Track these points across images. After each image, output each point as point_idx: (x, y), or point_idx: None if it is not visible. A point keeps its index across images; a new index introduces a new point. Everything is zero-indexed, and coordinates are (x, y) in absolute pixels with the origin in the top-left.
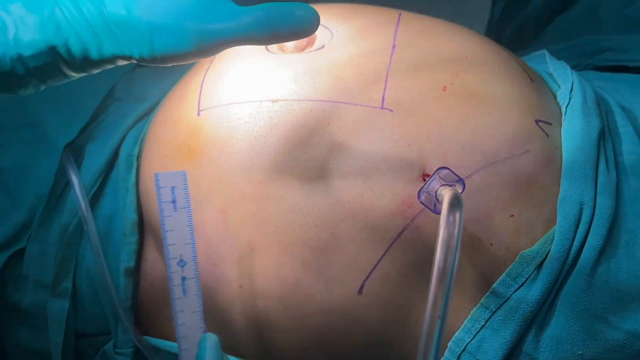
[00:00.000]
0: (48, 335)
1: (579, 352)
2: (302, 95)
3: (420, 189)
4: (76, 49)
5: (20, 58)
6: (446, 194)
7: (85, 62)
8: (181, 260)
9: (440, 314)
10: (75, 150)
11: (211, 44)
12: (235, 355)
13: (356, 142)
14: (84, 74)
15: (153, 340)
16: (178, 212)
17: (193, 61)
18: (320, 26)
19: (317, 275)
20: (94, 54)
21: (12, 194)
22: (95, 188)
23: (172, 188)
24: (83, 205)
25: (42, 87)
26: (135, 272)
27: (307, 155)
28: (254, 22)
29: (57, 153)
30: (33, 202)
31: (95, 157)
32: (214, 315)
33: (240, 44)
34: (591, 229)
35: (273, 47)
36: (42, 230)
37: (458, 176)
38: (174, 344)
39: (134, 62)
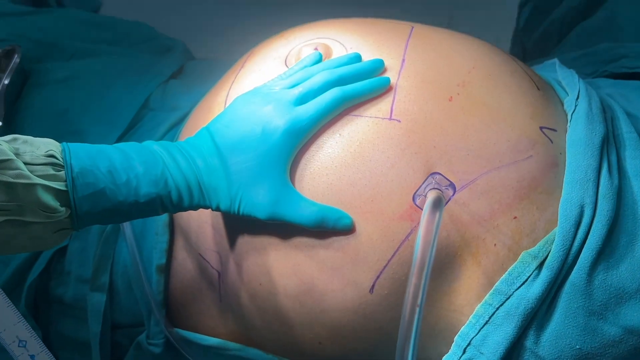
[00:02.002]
0: (87, 326)
1: (578, 347)
2: None
3: (415, 193)
4: (175, 199)
5: (136, 203)
6: (430, 196)
7: (177, 207)
8: (20, 341)
9: (419, 302)
10: None
11: (276, 221)
12: (256, 348)
13: (366, 151)
14: (170, 212)
15: (183, 332)
16: None
17: None
18: (335, 42)
19: (331, 275)
20: (185, 204)
21: None
22: None
23: None
24: None
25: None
26: (167, 269)
27: (320, 163)
28: (312, 218)
29: None
30: None
31: None
32: (238, 311)
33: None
34: (591, 231)
35: (292, 63)
36: (83, 229)
37: (449, 180)
38: (202, 336)
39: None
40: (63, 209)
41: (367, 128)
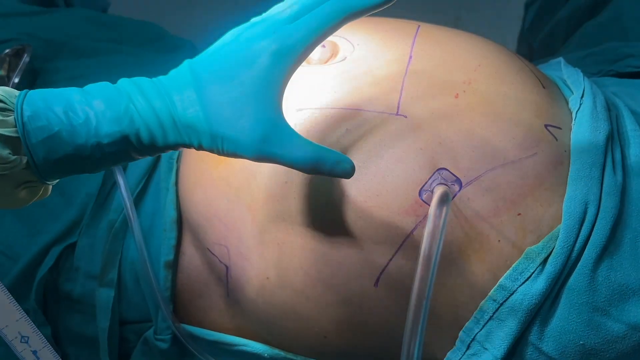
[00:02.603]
0: (96, 322)
1: (581, 343)
2: (324, 103)
3: (421, 188)
4: (145, 138)
5: (99, 145)
6: (437, 191)
7: (151, 148)
8: (22, 337)
9: (426, 294)
10: None
11: (265, 160)
12: (262, 342)
13: (373, 146)
14: (148, 156)
15: (189, 328)
16: None
17: None
18: (342, 39)
19: (336, 269)
20: (160, 143)
21: (66, 193)
22: (139, 188)
23: None
24: (128, 203)
25: (112, 167)
26: (174, 265)
27: None
28: (305, 158)
29: None
30: (84, 200)
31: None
32: (244, 305)
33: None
34: (595, 227)
35: None
36: (91, 226)
37: (455, 176)
38: (209, 331)
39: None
40: (15, 157)
41: (374, 123)
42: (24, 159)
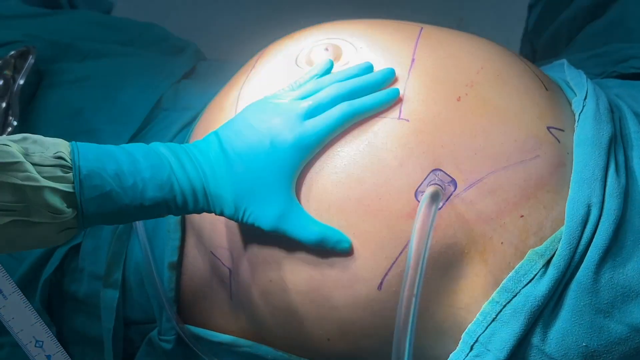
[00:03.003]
0: (100, 322)
1: (584, 344)
2: None
3: (417, 189)
4: (180, 203)
5: (142, 206)
6: (427, 190)
7: (180, 211)
8: (37, 342)
9: (415, 292)
10: None
11: (278, 233)
12: (265, 344)
13: (375, 149)
14: (173, 216)
15: (193, 329)
16: (10, 299)
17: None
18: (345, 42)
19: (340, 272)
20: (190, 208)
21: None
22: None
23: None
24: None
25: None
26: (178, 266)
27: (330, 161)
28: (313, 237)
29: None
30: None
31: None
32: (248, 308)
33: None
34: (598, 229)
35: (302, 63)
36: (96, 227)
37: (451, 177)
38: (213, 333)
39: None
40: (69, 210)
41: (376, 127)
42: (74, 212)
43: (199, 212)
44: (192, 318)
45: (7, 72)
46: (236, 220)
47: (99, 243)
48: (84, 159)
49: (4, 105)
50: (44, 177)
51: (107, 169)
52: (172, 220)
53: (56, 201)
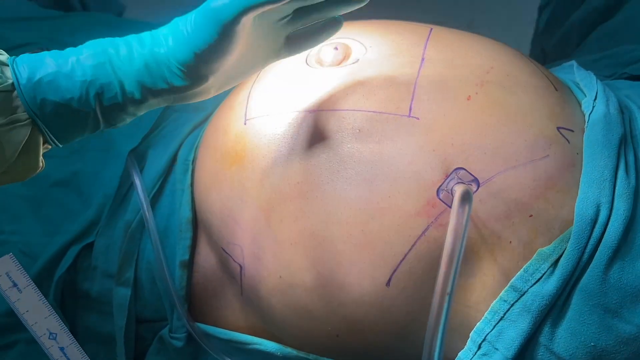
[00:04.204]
0: (113, 320)
1: (592, 344)
2: (336, 106)
3: (439, 187)
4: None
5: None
6: (458, 189)
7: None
8: (51, 334)
9: (449, 290)
10: (138, 156)
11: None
12: (275, 341)
13: (384, 147)
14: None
15: (204, 327)
16: (24, 292)
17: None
18: (355, 41)
19: (348, 269)
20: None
21: (84, 194)
22: (155, 189)
23: (7, 274)
24: (144, 204)
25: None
26: (189, 264)
27: (339, 159)
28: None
29: (122, 158)
30: (101, 201)
31: (156, 161)
32: (257, 304)
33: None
34: (607, 230)
35: (312, 61)
36: (108, 226)
37: (473, 176)
38: (223, 331)
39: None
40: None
41: (386, 125)
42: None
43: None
44: (203, 316)
45: None
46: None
47: (111, 242)
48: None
49: None
50: None
51: (45, 63)
52: (184, 219)
53: None
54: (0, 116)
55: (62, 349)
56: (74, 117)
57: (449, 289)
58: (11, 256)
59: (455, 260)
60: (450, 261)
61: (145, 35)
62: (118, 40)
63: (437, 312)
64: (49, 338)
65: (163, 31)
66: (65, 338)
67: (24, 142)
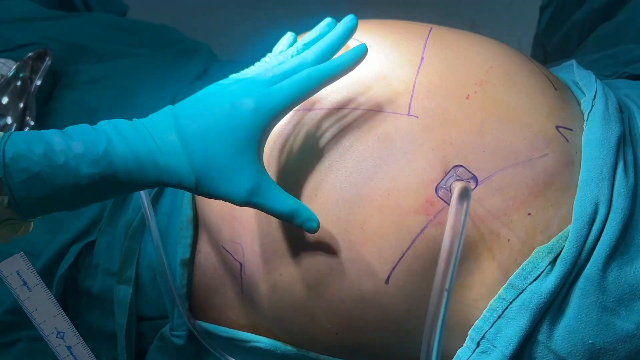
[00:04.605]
0: (114, 318)
1: (590, 342)
2: (336, 104)
3: (438, 185)
4: (123, 179)
5: (78, 186)
6: (456, 186)
7: (128, 187)
8: (58, 332)
9: (447, 287)
10: None
11: (249, 206)
12: (275, 339)
13: (384, 145)
14: (122, 194)
15: (204, 325)
16: (34, 291)
17: None
18: (354, 41)
19: (348, 266)
20: (137, 182)
21: None
22: (156, 188)
23: (18, 272)
24: (146, 203)
25: (88, 206)
26: (190, 262)
27: (339, 156)
28: (283, 212)
29: None
30: None
31: None
32: (259, 302)
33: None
34: (605, 228)
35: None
36: (110, 224)
37: (472, 173)
38: (224, 328)
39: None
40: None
41: (386, 123)
42: (6, 199)
43: (153, 186)
44: (204, 314)
45: (25, 74)
46: (200, 193)
47: (113, 240)
48: (11, 143)
49: (21, 105)
50: None
51: (34, 150)
52: (185, 217)
53: None
54: None
55: (69, 347)
56: (56, 203)
57: (447, 286)
58: (21, 255)
59: (453, 257)
60: (448, 258)
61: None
62: None
63: (436, 309)
64: (56, 337)
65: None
66: (73, 337)
67: None
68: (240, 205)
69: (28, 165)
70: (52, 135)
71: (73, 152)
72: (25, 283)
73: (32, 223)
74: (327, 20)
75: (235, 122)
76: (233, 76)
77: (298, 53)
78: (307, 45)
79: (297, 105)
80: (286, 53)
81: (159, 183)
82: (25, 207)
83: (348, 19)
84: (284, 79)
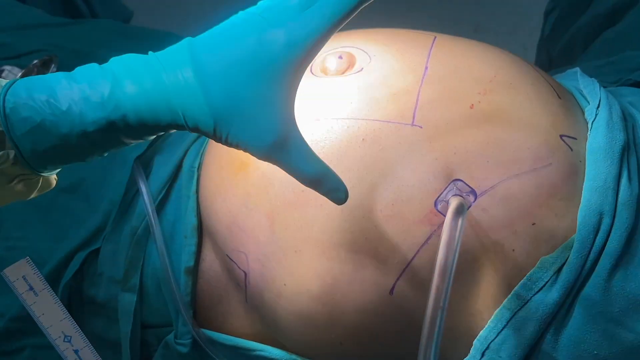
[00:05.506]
0: (118, 326)
1: (595, 352)
2: (341, 114)
3: (437, 198)
4: (134, 122)
5: (85, 133)
6: (452, 202)
7: (142, 131)
8: (65, 336)
9: (442, 304)
10: (144, 162)
11: (270, 161)
12: (279, 348)
13: (388, 155)
14: (141, 140)
15: (209, 333)
16: (40, 295)
17: None
18: (359, 50)
19: (352, 276)
20: (150, 124)
21: (90, 200)
22: (161, 195)
23: (24, 277)
24: (150, 210)
25: (106, 154)
26: (194, 270)
27: (344, 167)
28: (310, 173)
29: (128, 165)
30: (107, 207)
31: (162, 168)
32: (261, 311)
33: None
34: (610, 238)
35: (317, 70)
36: (115, 232)
37: (470, 187)
38: (228, 337)
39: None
40: (2, 152)
41: (389, 133)
42: (12, 153)
43: (170, 129)
44: (208, 322)
45: None
46: (219, 140)
47: (117, 248)
48: (12, 93)
49: None
50: None
51: (36, 97)
52: (189, 226)
53: None
54: None
55: (76, 351)
56: (65, 154)
57: (442, 303)
58: (27, 260)
59: (447, 275)
60: (442, 275)
61: None
62: None
63: (430, 327)
64: (64, 341)
65: None
66: (80, 341)
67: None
68: (260, 159)
69: (30, 115)
70: (57, 79)
71: (77, 96)
72: (31, 288)
73: (54, 176)
74: None
75: (264, 58)
76: (262, 2)
77: None
78: None
79: (332, 34)
80: None
81: (175, 126)
82: (34, 161)
83: None
84: (315, 1)
